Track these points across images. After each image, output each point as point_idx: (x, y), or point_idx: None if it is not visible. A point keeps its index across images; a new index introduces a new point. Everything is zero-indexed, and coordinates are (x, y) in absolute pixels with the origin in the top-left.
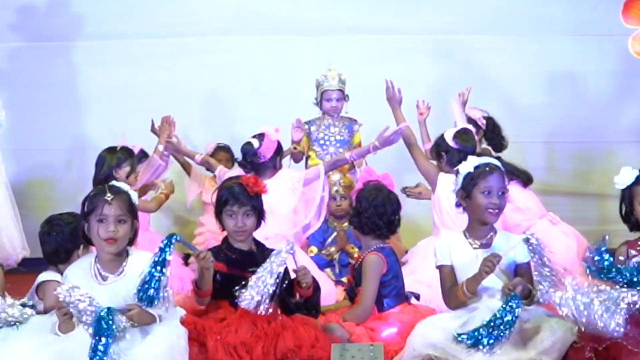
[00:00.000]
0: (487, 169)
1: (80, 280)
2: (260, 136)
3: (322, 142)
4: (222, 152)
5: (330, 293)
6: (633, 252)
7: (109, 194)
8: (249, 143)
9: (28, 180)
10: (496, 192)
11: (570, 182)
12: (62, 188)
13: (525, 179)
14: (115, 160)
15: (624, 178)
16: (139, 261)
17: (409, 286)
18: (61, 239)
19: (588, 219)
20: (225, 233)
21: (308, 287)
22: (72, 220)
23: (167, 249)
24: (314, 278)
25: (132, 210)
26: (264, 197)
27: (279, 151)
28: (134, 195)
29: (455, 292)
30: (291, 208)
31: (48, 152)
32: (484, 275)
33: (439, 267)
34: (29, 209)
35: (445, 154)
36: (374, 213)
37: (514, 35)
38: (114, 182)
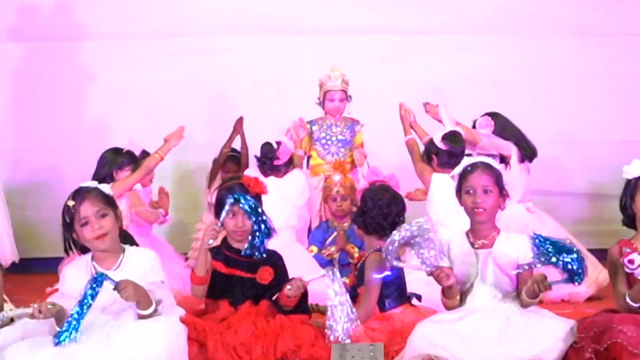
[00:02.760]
0: (469, 168)
1: (77, 279)
2: (278, 143)
3: (323, 141)
4: (231, 163)
5: None
6: (627, 249)
7: (77, 198)
8: (268, 144)
9: (27, 181)
10: (479, 191)
11: (570, 182)
12: (62, 189)
13: (523, 153)
14: (119, 161)
15: (633, 169)
16: (136, 256)
17: (408, 284)
18: None
19: (588, 219)
20: (225, 233)
21: (295, 296)
22: None
23: (93, 291)
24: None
25: (109, 202)
26: (280, 186)
27: (291, 160)
28: (105, 187)
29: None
30: (304, 201)
31: (48, 152)
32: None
33: None
34: (27, 210)
35: (435, 156)
36: (378, 213)
37: (514, 35)
38: (81, 184)
